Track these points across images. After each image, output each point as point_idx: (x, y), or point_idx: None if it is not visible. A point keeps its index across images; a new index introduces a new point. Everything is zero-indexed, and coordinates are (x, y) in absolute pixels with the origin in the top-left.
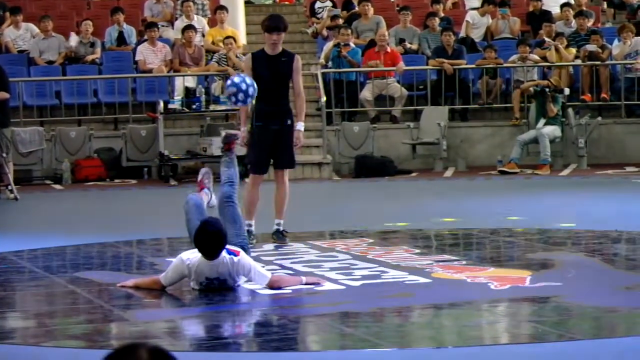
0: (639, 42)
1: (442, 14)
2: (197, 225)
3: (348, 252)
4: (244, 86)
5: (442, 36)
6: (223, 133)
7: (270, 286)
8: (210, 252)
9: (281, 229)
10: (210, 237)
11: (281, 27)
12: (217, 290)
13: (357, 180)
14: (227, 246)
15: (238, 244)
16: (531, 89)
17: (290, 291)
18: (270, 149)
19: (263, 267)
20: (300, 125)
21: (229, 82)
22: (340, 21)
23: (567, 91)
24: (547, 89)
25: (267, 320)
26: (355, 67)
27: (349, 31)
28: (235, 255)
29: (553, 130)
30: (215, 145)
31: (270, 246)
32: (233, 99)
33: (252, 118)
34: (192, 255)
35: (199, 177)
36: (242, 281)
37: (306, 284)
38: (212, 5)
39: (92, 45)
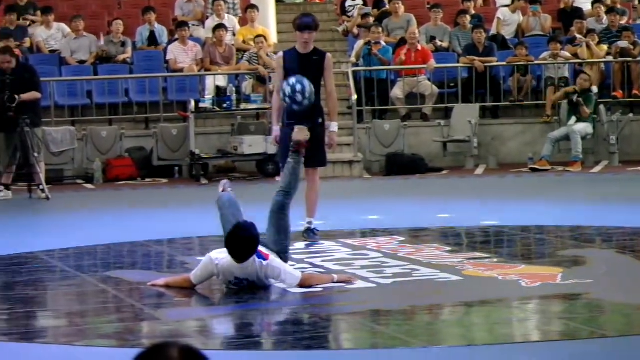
0: None
1: (472, 12)
2: (231, 221)
3: (379, 250)
4: (299, 87)
5: (473, 34)
6: (293, 136)
7: (301, 285)
8: (240, 256)
9: (312, 227)
10: (241, 241)
11: (313, 26)
12: (248, 288)
13: (388, 178)
14: (259, 248)
15: (275, 251)
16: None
17: (321, 289)
18: None
19: (293, 265)
20: (333, 126)
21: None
22: (371, 19)
23: (595, 89)
24: (575, 95)
25: (298, 318)
26: (386, 65)
27: (380, 29)
28: (265, 259)
29: (585, 127)
30: (246, 144)
31: (301, 244)
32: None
33: (283, 117)
34: (221, 255)
35: (220, 189)
36: (272, 282)
37: (338, 282)
38: (243, 4)
39: (123, 44)
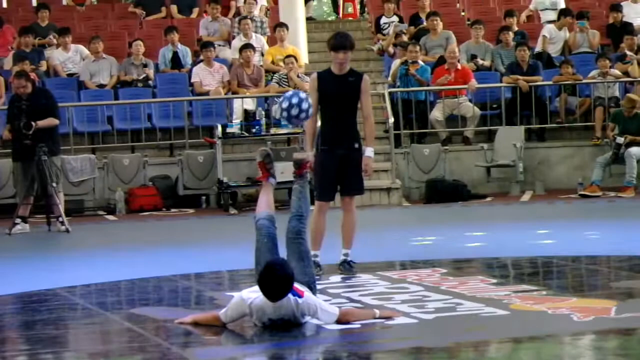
0: None
1: (515, 28)
2: (266, 256)
3: (420, 283)
4: (295, 100)
5: (517, 51)
6: (294, 156)
7: (339, 321)
8: (275, 296)
9: (349, 259)
10: (276, 281)
11: (348, 46)
12: (282, 326)
13: (428, 206)
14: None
15: (305, 282)
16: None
17: (359, 326)
18: (337, 174)
19: (328, 300)
20: (369, 151)
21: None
22: (405, 38)
23: (620, 140)
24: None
25: (335, 357)
26: (424, 86)
27: (417, 48)
28: (300, 297)
29: (639, 150)
30: (277, 171)
31: (337, 278)
32: (285, 113)
33: (317, 141)
34: (254, 295)
35: (258, 159)
36: (307, 319)
37: (380, 317)
38: (272, 22)
39: (145, 66)
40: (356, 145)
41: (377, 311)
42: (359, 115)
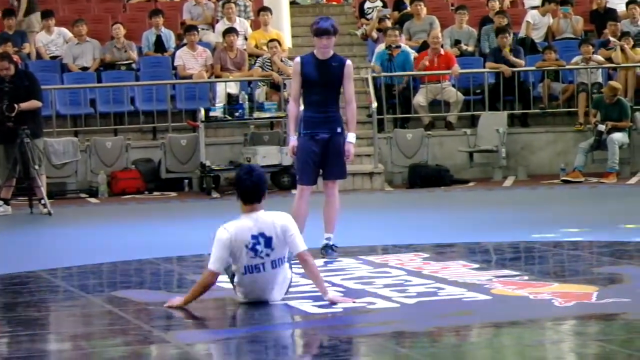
0: None
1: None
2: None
3: (402, 267)
4: None
5: (498, 38)
6: None
7: (300, 258)
8: (251, 196)
9: (331, 243)
10: (252, 178)
11: (332, 31)
12: (262, 305)
13: (410, 191)
14: None
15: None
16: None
17: (341, 310)
18: (319, 159)
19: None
20: (351, 137)
21: None
22: (389, 22)
23: (602, 127)
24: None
25: (316, 340)
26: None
27: (397, 32)
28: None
29: (622, 136)
30: (260, 155)
31: (319, 262)
32: None
33: (299, 126)
34: (231, 227)
35: None
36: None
37: (327, 297)
38: (255, 6)
39: (127, 50)
40: (339, 130)
41: (328, 292)
42: (341, 100)
